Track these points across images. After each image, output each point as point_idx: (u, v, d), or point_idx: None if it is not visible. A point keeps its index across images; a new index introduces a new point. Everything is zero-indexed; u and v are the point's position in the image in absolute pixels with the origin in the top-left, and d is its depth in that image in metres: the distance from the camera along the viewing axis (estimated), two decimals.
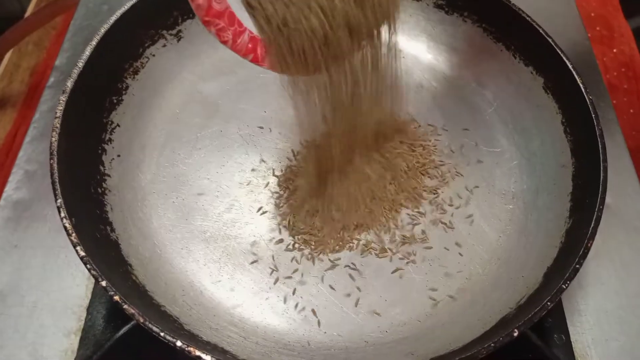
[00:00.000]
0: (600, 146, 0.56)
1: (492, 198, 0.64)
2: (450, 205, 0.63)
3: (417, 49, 0.75)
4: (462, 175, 0.65)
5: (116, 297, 0.45)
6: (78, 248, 0.47)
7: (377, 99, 0.55)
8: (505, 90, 0.70)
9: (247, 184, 0.64)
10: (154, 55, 0.68)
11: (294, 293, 0.57)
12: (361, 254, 0.59)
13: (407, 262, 0.59)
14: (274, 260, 0.59)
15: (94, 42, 0.60)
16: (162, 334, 0.44)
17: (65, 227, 0.48)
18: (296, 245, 0.60)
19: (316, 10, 0.44)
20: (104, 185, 0.59)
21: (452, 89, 0.73)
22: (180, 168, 0.64)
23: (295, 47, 0.45)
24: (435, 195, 0.64)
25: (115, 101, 0.64)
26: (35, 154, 0.68)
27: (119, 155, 0.62)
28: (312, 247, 0.59)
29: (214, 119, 0.68)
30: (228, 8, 0.45)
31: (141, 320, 0.44)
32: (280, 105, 0.69)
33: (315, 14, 0.44)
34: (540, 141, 0.65)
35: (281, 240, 0.60)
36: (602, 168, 0.55)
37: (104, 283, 0.46)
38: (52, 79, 0.74)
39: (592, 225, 0.51)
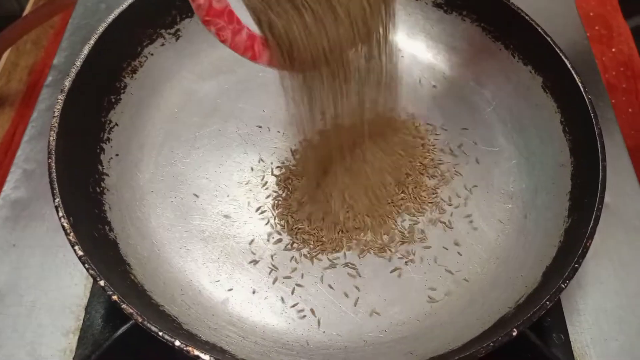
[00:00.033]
0: (599, 145, 0.56)
1: (491, 197, 0.64)
2: (449, 204, 0.63)
3: (415, 48, 0.75)
4: (461, 174, 0.65)
5: (114, 297, 0.45)
6: (76, 247, 0.47)
7: (375, 97, 0.55)
8: (504, 90, 0.70)
9: (246, 184, 0.64)
10: (152, 55, 0.68)
11: (292, 292, 0.57)
12: (360, 254, 0.59)
13: (406, 262, 0.59)
14: (272, 259, 0.59)
15: (92, 41, 0.59)
16: (160, 333, 0.44)
17: (63, 227, 0.48)
18: (295, 245, 0.59)
19: (320, 27, 0.45)
20: (102, 184, 0.59)
21: (451, 88, 0.72)
22: (179, 167, 0.64)
23: (297, 54, 0.46)
24: (434, 194, 0.63)
25: (113, 100, 0.64)
26: (34, 153, 0.68)
27: (117, 155, 0.62)
28: (311, 246, 0.59)
29: (213, 118, 0.68)
30: (228, 6, 0.45)
31: (140, 319, 0.44)
32: (279, 105, 0.68)
33: (318, 31, 0.45)
34: (539, 140, 0.65)
35: (280, 240, 0.60)
36: (601, 167, 0.54)
37: (102, 282, 0.46)
38: (50, 78, 0.74)
39: (591, 225, 0.51)
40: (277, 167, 0.65)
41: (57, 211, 0.49)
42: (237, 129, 0.68)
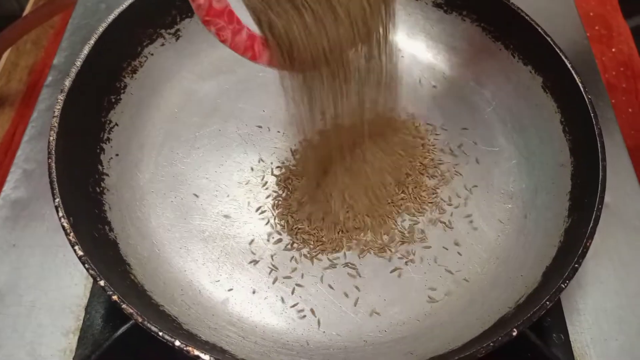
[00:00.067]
0: (599, 145, 0.56)
1: (491, 197, 0.64)
2: (449, 204, 0.63)
3: (415, 48, 0.75)
4: (461, 174, 0.65)
5: (114, 297, 0.45)
6: (76, 247, 0.47)
7: (375, 97, 0.55)
8: (504, 90, 0.70)
9: (246, 184, 0.64)
10: (152, 54, 0.68)
11: (292, 292, 0.57)
12: (360, 254, 0.59)
13: (406, 262, 0.59)
14: (272, 259, 0.59)
15: (92, 41, 0.59)
16: (160, 333, 0.44)
17: (63, 227, 0.48)
18: (295, 245, 0.59)
19: (320, 27, 0.45)
20: (102, 184, 0.59)
21: (451, 88, 0.72)
22: (179, 167, 0.64)
23: (297, 54, 0.46)
24: (434, 194, 0.63)
25: (113, 100, 0.64)
26: (34, 153, 0.68)
27: (117, 155, 0.62)
28: (311, 246, 0.59)
29: (213, 118, 0.68)
30: (228, 6, 0.45)
31: (139, 319, 0.44)
32: (279, 105, 0.68)
33: (318, 31, 0.45)
34: (539, 140, 0.65)
35: (280, 240, 0.60)
36: (601, 167, 0.54)
37: (102, 282, 0.46)
38: (50, 78, 0.74)
39: (591, 225, 0.51)
40: (277, 167, 0.65)
41: (57, 211, 0.49)
42: (237, 129, 0.68)
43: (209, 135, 0.67)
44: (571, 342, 0.59)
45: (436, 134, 0.68)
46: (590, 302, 0.61)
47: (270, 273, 0.58)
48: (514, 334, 0.45)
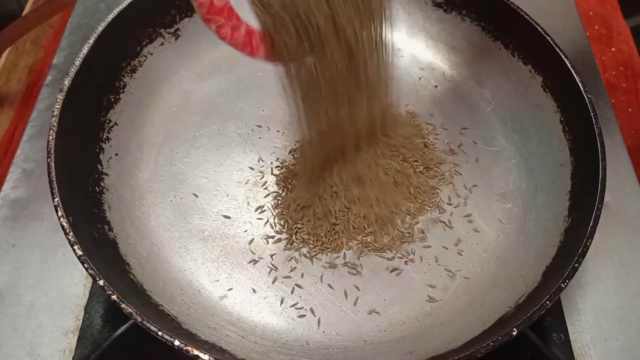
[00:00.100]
0: (599, 145, 0.56)
1: (491, 197, 0.64)
2: (449, 204, 0.63)
3: (415, 48, 0.75)
4: (460, 174, 0.65)
5: (114, 297, 0.45)
6: (75, 247, 0.47)
7: (372, 92, 0.55)
8: (503, 89, 0.70)
9: (246, 183, 0.64)
10: (151, 54, 0.68)
11: (292, 292, 0.57)
12: (360, 253, 0.59)
13: (405, 261, 0.59)
14: (272, 259, 0.59)
15: (91, 41, 0.59)
16: (160, 333, 0.44)
17: (62, 226, 0.48)
18: (295, 245, 0.59)
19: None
20: (102, 184, 0.59)
21: (451, 88, 0.72)
22: (178, 167, 0.64)
23: (292, 28, 0.46)
24: (434, 194, 0.63)
25: (112, 100, 0.64)
26: (33, 152, 0.68)
27: (116, 154, 0.62)
28: (311, 246, 0.59)
29: (212, 117, 0.68)
30: (227, 3, 0.45)
31: (139, 319, 0.44)
32: (278, 104, 0.69)
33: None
34: (539, 140, 0.65)
35: (280, 240, 0.60)
36: (601, 167, 0.54)
37: (101, 282, 0.45)
38: (49, 78, 0.74)
39: (591, 224, 0.51)
40: (277, 166, 0.65)
41: (57, 211, 0.49)
42: (237, 128, 0.68)
43: (208, 134, 0.67)
44: (571, 342, 0.59)
45: (436, 134, 0.68)
46: (590, 301, 0.61)
47: (269, 273, 0.58)
48: (514, 333, 0.45)
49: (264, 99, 0.70)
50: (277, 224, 0.61)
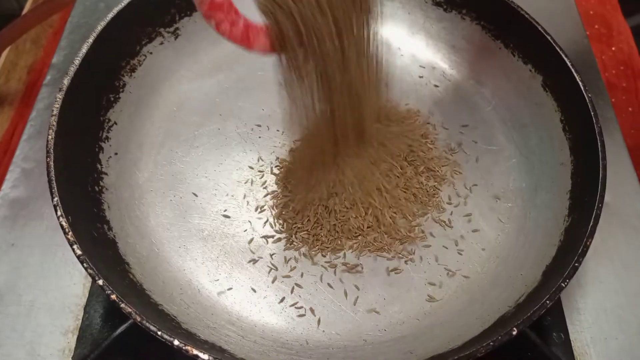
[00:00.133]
0: (599, 144, 0.56)
1: (491, 196, 0.64)
2: (449, 203, 0.63)
3: (415, 47, 0.75)
4: (460, 173, 0.65)
5: (113, 296, 0.45)
6: (75, 247, 0.47)
7: (366, 87, 0.55)
8: (504, 88, 0.70)
9: (245, 182, 0.63)
10: (151, 53, 0.68)
11: (292, 292, 0.57)
12: (360, 253, 0.59)
13: (405, 261, 0.59)
14: (272, 258, 0.59)
15: (90, 40, 0.59)
16: (159, 333, 0.44)
17: (62, 226, 0.48)
18: (294, 244, 0.59)
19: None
20: (101, 183, 0.59)
21: (451, 87, 0.72)
22: (178, 166, 0.64)
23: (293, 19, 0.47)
24: (435, 194, 0.63)
25: (112, 99, 0.64)
26: (33, 152, 0.68)
27: (116, 154, 0.62)
28: (311, 245, 0.59)
29: (212, 117, 0.68)
30: None
31: (138, 319, 0.44)
32: (278, 103, 0.69)
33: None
34: (539, 139, 0.65)
35: (279, 239, 0.60)
36: (601, 166, 0.54)
37: (100, 282, 0.45)
38: (49, 77, 0.74)
39: (591, 224, 0.51)
40: (276, 166, 0.65)
41: (56, 210, 0.49)
42: (237, 127, 0.68)
43: (208, 134, 0.67)
44: (571, 341, 0.59)
45: (436, 133, 0.68)
46: (590, 301, 0.61)
47: (269, 272, 0.58)
48: (514, 333, 0.45)
49: (263, 98, 0.70)
50: (276, 224, 0.61)
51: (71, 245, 0.47)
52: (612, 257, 0.64)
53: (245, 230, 0.60)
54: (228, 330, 0.53)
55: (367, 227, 0.60)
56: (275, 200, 0.62)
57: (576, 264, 0.49)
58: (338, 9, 0.48)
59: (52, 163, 0.51)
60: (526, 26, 0.64)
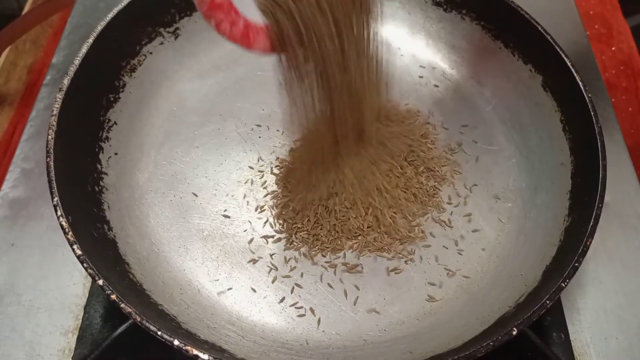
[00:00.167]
0: (599, 144, 0.56)
1: (491, 196, 0.64)
2: (449, 203, 0.63)
3: (415, 47, 0.75)
4: (460, 173, 0.65)
5: (113, 296, 0.45)
6: (75, 247, 0.47)
7: (365, 87, 0.55)
8: (503, 88, 0.70)
9: (245, 182, 0.63)
10: (151, 53, 0.68)
11: (292, 292, 0.57)
12: (360, 253, 0.59)
13: (405, 261, 0.59)
14: (272, 258, 0.59)
15: (90, 40, 0.59)
16: (159, 333, 0.44)
17: (61, 226, 0.48)
18: (294, 244, 0.59)
19: None
20: (101, 183, 0.59)
21: (451, 87, 0.72)
22: (178, 166, 0.64)
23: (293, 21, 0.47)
24: (435, 194, 0.63)
25: (112, 99, 0.64)
26: (32, 152, 0.68)
27: (116, 154, 0.62)
28: (311, 245, 0.59)
29: (212, 117, 0.68)
30: None
31: (138, 319, 0.44)
32: (278, 103, 0.69)
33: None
34: (539, 139, 0.65)
35: (279, 239, 0.60)
36: (601, 166, 0.54)
37: (100, 282, 0.45)
38: (49, 77, 0.74)
39: (591, 224, 0.51)
40: (276, 166, 0.65)
41: (56, 210, 0.49)
42: (236, 127, 0.68)
43: (208, 134, 0.67)
44: (571, 341, 0.59)
45: (436, 133, 0.68)
46: (590, 301, 0.61)
47: (269, 272, 0.58)
48: (514, 333, 0.45)
49: (263, 98, 0.70)
50: (276, 224, 0.61)
51: (71, 245, 0.47)
52: (612, 257, 0.64)
53: (245, 230, 0.60)
54: (228, 330, 0.53)
55: (367, 227, 0.60)
56: (275, 200, 0.62)
57: (576, 264, 0.49)
58: (338, 8, 0.48)
59: (52, 163, 0.51)
60: (526, 26, 0.64)
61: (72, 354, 0.56)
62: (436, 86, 0.72)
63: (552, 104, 0.64)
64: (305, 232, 0.60)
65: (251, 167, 0.65)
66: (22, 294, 0.59)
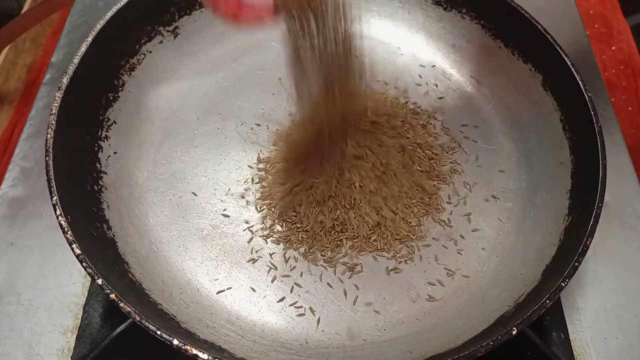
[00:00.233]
0: (599, 144, 0.56)
1: (491, 195, 0.64)
2: (449, 203, 0.63)
3: (415, 46, 0.75)
4: (460, 172, 0.65)
5: (112, 296, 0.45)
6: (74, 246, 0.47)
7: (343, 69, 0.55)
8: (503, 88, 0.70)
9: (245, 182, 0.63)
10: (150, 52, 0.68)
11: (291, 291, 0.57)
12: (359, 252, 0.59)
13: (405, 260, 0.59)
14: (271, 258, 0.58)
15: (89, 39, 0.59)
16: (158, 332, 0.44)
17: (61, 225, 0.48)
18: (294, 244, 0.59)
19: None
20: (101, 182, 0.59)
21: (451, 86, 0.72)
22: (177, 165, 0.64)
23: None
24: (434, 193, 0.63)
25: (111, 98, 0.64)
26: (32, 151, 0.68)
27: (115, 153, 0.62)
28: (310, 245, 0.59)
29: (211, 116, 0.68)
30: None
31: (138, 318, 0.44)
32: (277, 102, 0.69)
33: None
34: (539, 138, 0.65)
35: (279, 239, 0.60)
36: (601, 166, 0.54)
37: (100, 281, 0.45)
38: (48, 76, 0.74)
39: (591, 223, 0.51)
40: (276, 165, 0.64)
41: (55, 209, 0.48)
42: (236, 127, 0.67)
43: (207, 133, 0.67)
44: (571, 341, 0.59)
45: (436, 133, 0.68)
46: (589, 300, 0.61)
47: (269, 272, 0.58)
48: (514, 332, 0.45)
49: (262, 98, 0.70)
50: (276, 223, 0.61)
51: (70, 245, 0.47)
52: (612, 256, 0.64)
53: (245, 229, 0.60)
54: (227, 329, 0.53)
55: (367, 227, 0.60)
56: (274, 200, 0.62)
57: (576, 264, 0.49)
58: None
59: (51, 162, 0.51)
60: (526, 25, 0.64)
61: (71, 353, 0.56)
62: (436, 85, 0.72)
63: (552, 104, 0.64)
64: (305, 231, 0.59)
65: (251, 167, 0.64)
66: (21, 293, 0.59)
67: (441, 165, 0.65)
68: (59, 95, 0.55)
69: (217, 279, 0.57)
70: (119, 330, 0.51)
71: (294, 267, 0.58)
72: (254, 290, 0.56)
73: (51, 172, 0.50)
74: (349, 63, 0.55)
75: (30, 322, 0.57)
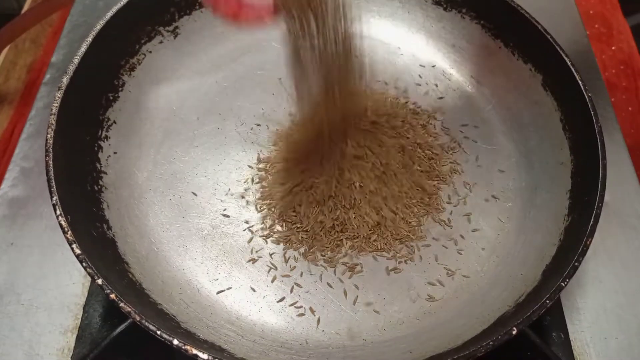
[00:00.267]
0: (599, 144, 0.56)
1: (491, 195, 0.64)
2: (449, 203, 0.63)
3: (415, 46, 0.75)
4: (460, 172, 0.65)
5: (112, 296, 0.45)
6: (74, 246, 0.47)
7: (342, 69, 0.55)
8: (503, 88, 0.70)
9: (245, 182, 0.63)
10: (150, 52, 0.68)
11: (291, 291, 0.57)
12: (359, 252, 0.59)
13: (405, 260, 0.59)
14: (271, 258, 0.58)
15: (89, 39, 0.59)
16: (158, 332, 0.44)
17: (61, 225, 0.48)
18: (294, 244, 0.59)
19: None
20: (100, 182, 0.59)
21: (451, 86, 0.72)
22: (177, 165, 0.64)
23: None
24: (434, 193, 0.63)
25: (111, 98, 0.64)
26: (32, 151, 0.68)
27: (115, 153, 0.62)
28: (310, 245, 0.59)
29: (211, 116, 0.68)
30: None
31: (137, 318, 0.44)
32: (277, 102, 0.69)
33: None
34: (539, 138, 0.65)
35: (279, 239, 0.60)
36: (601, 166, 0.54)
37: (100, 281, 0.45)
38: (48, 76, 0.74)
39: (591, 223, 0.51)
40: (276, 165, 0.64)
41: (55, 209, 0.48)
42: (236, 126, 0.67)
43: (207, 133, 0.67)
44: (571, 341, 0.59)
45: (436, 133, 0.68)
46: (589, 300, 0.61)
47: (269, 272, 0.58)
48: (514, 332, 0.45)
49: (262, 98, 0.70)
50: (276, 223, 0.61)
51: (70, 245, 0.47)
52: (612, 256, 0.64)
53: (245, 229, 0.60)
54: (227, 329, 0.53)
55: (367, 227, 0.60)
56: (274, 200, 0.62)
57: (576, 264, 0.49)
58: None
59: (51, 162, 0.51)
60: (526, 25, 0.64)
61: (71, 353, 0.56)
62: (436, 85, 0.72)
63: (552, 103, 0.64)
64: (305, 231, 0.59)
65: (250, 167, 0.64)
66: (21, 293, 0.59)
67: (441, 165, 0.65)
68: (59, 95, 0.55)
69: (217, 279, 0.57)
70: (119, 330, 0.51)
71: (294, 267, 0.58)
72: (254, 290, 0.56)
73: (51, 172, 0.50)
74: (349, 63, 0.55)
75: (30, 322, 0.57)
